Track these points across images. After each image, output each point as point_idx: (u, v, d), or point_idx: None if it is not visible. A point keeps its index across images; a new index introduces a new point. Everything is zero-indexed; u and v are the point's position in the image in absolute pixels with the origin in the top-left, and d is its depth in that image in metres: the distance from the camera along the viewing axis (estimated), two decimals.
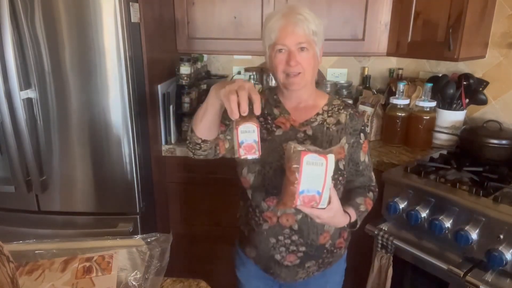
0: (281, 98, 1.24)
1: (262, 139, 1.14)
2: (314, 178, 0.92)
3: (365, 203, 1.20)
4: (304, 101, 1.21)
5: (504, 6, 1.79)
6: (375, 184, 1.28)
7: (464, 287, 1.28)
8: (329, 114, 1.21)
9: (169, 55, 2.03)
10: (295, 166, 0.91)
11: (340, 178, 1.17)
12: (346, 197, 1.20)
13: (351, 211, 1.13)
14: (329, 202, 0.96)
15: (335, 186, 1.12)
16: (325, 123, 1.19)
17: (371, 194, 1.24)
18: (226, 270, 1.51)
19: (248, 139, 0.91)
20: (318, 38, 1.13)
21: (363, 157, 1.23)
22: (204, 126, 1.09)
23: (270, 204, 1.15)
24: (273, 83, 2.30)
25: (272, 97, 1.25)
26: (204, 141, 1.13)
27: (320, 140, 1.16)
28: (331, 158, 0.92)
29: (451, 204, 1.36)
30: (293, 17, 1.09)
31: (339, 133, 1.19)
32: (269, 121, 1.21)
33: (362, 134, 1.22)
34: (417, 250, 1.42)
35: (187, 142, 1.18)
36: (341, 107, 1.23)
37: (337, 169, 1.12)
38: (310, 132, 1.17)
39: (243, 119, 0.91)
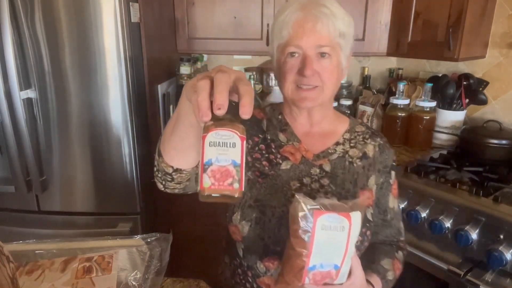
0: (289, 119, 0.95)
1: (263, 174, 0.89)
2: (331, 247, 0.66)
3: (393, 267, 0.91)
4: (318, 124, 0.94)
5: (504, 6, 1.79)
6: (404, 239, 1.01)
7: (464, 287, 1.28)
8: (352, 144, 0.94)
9: (169, 55, 2.03)
10: (303, 230, 0.66)
11: (368, 232, 0.88)
12: (368, 257, 0.90)
13: (375, 280, 0.85)
14: (349, 275, 0.71)
15: (360, 244, 0.86)
16: (347, 155, 0.92)
17: (400, 254, 0.96)
18: None
19: (221, 159, 0.51)
20: (346, 42, 0.86)
21: (392, 202, 0.96)
22: (176, 146, 0.71)
23: (270, 266, 0.85)
24: (273, 82, 2.30)
25: (275, 117, 0.96)
26: (176, 170, 0.76)
27: (341, 179, 0.90)
28: (356, 217, 0.67)
29: (451, 204, 1.36)
30: (315, 9, 0.81)
31: (366, 170, 0.92)
32: (273, 150, 0.92)
33: (393, 173, 0.96)
34: (417, 250, 1.42)
35: (155, 169, 0.81)
36: (367, 136, 0.95)
37: (364, 221, 0.81)
38: (328, 168, 0.90)
39: (217, 122, 0.52)
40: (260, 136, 0.94)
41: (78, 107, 1.60)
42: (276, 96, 1.98)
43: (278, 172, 0.89)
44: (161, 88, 1.90)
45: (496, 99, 1.89)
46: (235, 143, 0.51)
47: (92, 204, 1.74)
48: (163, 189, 0.86)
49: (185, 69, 1.93)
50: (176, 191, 0.86)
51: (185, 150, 0.71)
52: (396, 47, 1.91)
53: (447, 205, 1.37)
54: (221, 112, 0.50)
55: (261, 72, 2.34)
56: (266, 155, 0.91)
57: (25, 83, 1.57)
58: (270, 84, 2.29)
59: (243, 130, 0.53)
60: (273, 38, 0.88)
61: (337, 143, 0.93)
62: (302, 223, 0.66)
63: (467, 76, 1.87)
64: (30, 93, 1.59)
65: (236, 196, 0.52)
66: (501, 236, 1.23)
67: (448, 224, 1.35)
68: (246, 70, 2.38)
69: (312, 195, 0.86)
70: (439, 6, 1.70)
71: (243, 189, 0.52)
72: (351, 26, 0.86)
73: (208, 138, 0.51)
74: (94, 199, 1.74)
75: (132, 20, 1.60)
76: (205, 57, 2.35)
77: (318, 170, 0.90)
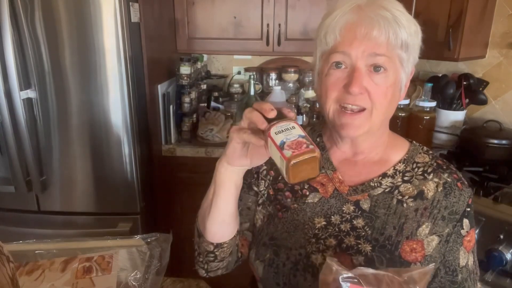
0: (328, 143, 0.81)
1: (285, 207, 0.78)
2: None
3: None
4: (366, 152, 0.78)
5: (504, 6, 1.79)
6: None
7: None
8: (406, 178, 0.75)
9: (169, 55, 2.03)
10: None
11: None
12: None
13: None
14: None
15: None
16: (396, 192, 0.74)
17: None
18: None
19: (290, 137, 0.59)
20: (409, 56, 0.70)
21: (465, 258, 0.75)
22: (217, 219, 0.73)
23: None
24: (273, 82, 2.30)
25: (313, 140, 0.78)
26: (217, 246, 0.77)
27: (382, 222, 0.72)
28: None
29: None
30: (372, 12, 0.66)
31: (419, 214, 0.72)
32: None
33: (466, 221, 0.75)
34: None
35: (196, 254, 0.82)
36: (429, 169, 0.76)
37: None
38: (366, 205, 0.74)
39: (272, 122, 0.61)
40: None
41: (78, 107, 1.60)
42: (276, 96, 1.98)
43: (302, 206, 0.76)
44: (161, 88, 1.90)
45: (496, 99, 1.89)
46: (293, 126, 0.60)
47: (92, 204, 1.74)
48: (205, 274, 0.83)
49: (185, 69, 1.93)
50: (219, 272, 0.83)
51: (226, 220, 0.73)
52: None
53: None
54: (274, 113, 0.61)
55: (261, 72, 2.34)
56: (291, 184, 0.78)
57: (25, 83, 1.57)
58: (270, 84, 2.29)
59: (295, 117, 0.64)
60: (316, 45, 0.73)
61: (385, 175, 0.75)
62: None
63: (467, 76, 1.87)
64: (30, 93, 1.59)
65: (315, 154, 0.57)
66: (501, 236, 1.23)
67: None
68: (246, 70, 2.38)
69: (340, 237, 0.74)
70: (439, 6, 1.70)
71: (318, 148, 0.59)
72: (417, 36, 0.71)
73: (272, 131, 0.60)
74: (94, 199, 1.73)
75: (132, 20, 1.60)
76: (205, 57, 2.35)
77: (352, 208, 0.74)
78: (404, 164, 0.77)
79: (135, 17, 1.62)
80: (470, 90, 1.85)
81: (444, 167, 0.77)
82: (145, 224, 1.80)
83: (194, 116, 2.06)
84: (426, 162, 0.77)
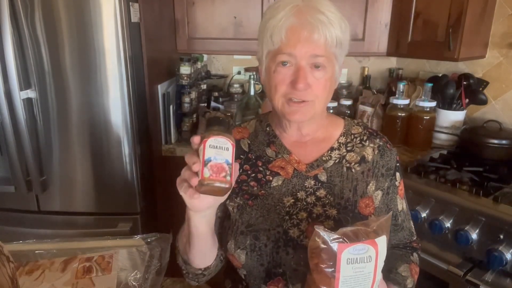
0: (277, 130, 0.90)
1: (253, 195, 0.85)
2: (359, 280, 0.61)
3: (411, 272, 0.87)
4: (311, 133, 0.88)
5: (504, 6, 1.79)
6: (417, 238, 0.97)
7: (464, 287, 1.28)
8: (349, 148, 0.88)
9: (169, 55, 2.03)
10: (327, 265, 0.60)
11: None
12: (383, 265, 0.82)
13: None
14: None
15: None
16: (344, 161, 0.86)
17: (415, 256, 0.93)
18: None
19: (218, 157, 0.62)
20: (342, 51, 0.80)
21: (401, 204, 0.91)
22: (198, 255, 0.80)
23: None
24: None
25: (263, 130, 0.91)
26: (205, 268, 0.84)
27: (339, 188, 0.84)
28: (383, 242, 0.62)
29: (451, 204, 1.36)
30: (311, 16, 0.75)
31: (365, 175, 0.86)
32: (261, 168, 0.87)
33: (397, 174, 0.90)
34: None
35: (184, 272, 0.87)
36: (364, 137, 0.89)
37: None
38: (323, 177, 0.85)
39: (213, 131, 0.64)
40: (242, 156, 0.90)
41: (78, 107, 1.60)
42: None
43: (269, 190, 0.84)
44: (161, 88, 1.90)
45: (496, 99, 1.89)
46: (228, 147, 0.63)
47: (92, 204, 1.74)
48: (197, 283, 0.90)
49: (185, 69, 1.93)
50: (210, 277, 0.90)
51: (207, 253, 0.80)
52: (396, 47, 1.90)
53: (447, 205, 1.37)
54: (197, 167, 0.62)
55: None
56: (253, 174, 0.86)
57: (25, 83, 1.57)
58: None
59: (233, 139, 0.65)
60: (261, 42, 0.80)
61: (332, 149, 0.87)
62: (324, 258, 0.60)
63: (467, 76, 1.87)
64: (30, 93, 1.59)
65: (227, 186, 0.63)
66: (501, 236, 1.23)
67: (448, 224, 1.35)
68: (246, 70, 2.38)
69: (308, 209, 0.83)
70: (439, 6, 1.70)
71: (233, 182, 0.64)
72: (347, 32, 0.80)
73: (208, 142, 0.63)
74: (94, 199, 1.73)
75: (132, 20, 1.60)
76: (205, 57, 2.36)
77: (313, 182, 0.84)
78: (344, 137, 0.89)
79: (135, 17, 1.62)
80: (470, 90, 1.85)
81: (375, 134, 0.91)
82: (145, 224, 1.80)
83: (194, 116, 2.06)
84: (360, 132, 0.90)
